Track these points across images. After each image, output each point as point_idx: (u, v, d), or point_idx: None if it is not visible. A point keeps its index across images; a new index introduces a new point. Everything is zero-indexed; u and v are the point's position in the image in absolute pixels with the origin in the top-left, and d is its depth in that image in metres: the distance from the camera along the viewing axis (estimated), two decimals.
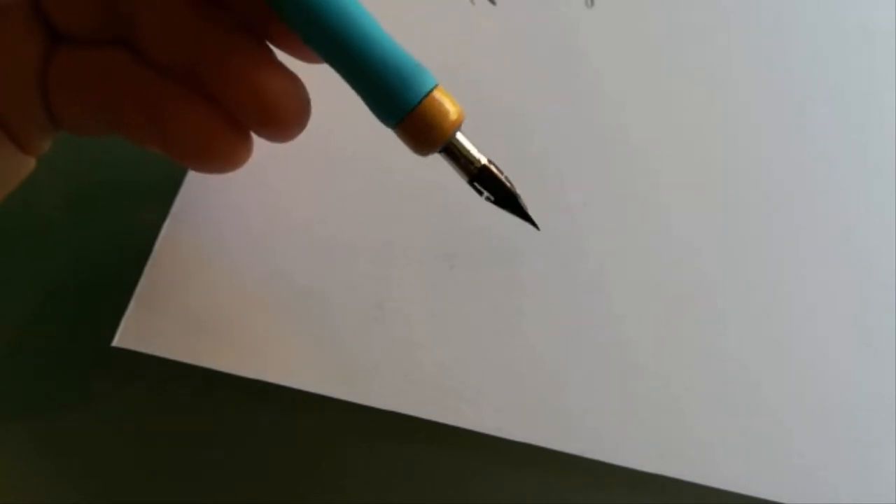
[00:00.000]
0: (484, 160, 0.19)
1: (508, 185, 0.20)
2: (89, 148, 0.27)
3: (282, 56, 0.20)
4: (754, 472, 0.22)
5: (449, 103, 0.18)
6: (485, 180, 0.20)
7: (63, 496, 0.23)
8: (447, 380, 0.23)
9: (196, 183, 0.26)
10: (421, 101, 0.18)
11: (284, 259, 0.25)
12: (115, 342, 0.24)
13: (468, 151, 0.19)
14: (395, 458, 0.23)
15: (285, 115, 0.19)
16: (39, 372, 0.24)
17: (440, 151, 0.19)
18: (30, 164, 0.20)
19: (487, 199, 0.20)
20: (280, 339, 0.24)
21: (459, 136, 0.19)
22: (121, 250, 0.25)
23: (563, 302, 0.24)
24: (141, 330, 0.24)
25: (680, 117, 0.27)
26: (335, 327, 0.24)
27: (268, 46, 0.19)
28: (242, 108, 0.18)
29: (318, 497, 0.22)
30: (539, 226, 0.21)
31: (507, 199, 0.20)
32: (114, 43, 0.19)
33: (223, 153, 0.19)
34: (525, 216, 0.21)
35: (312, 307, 0.24)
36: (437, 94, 0.18)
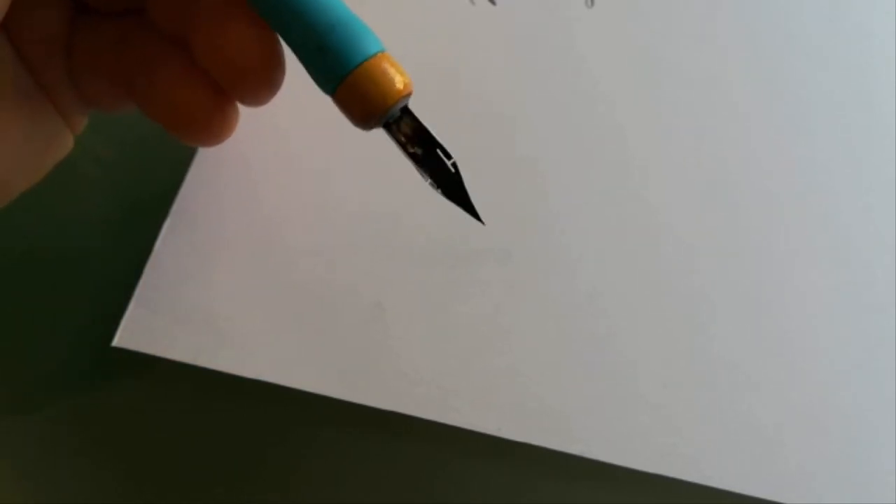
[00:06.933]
0: (433, 141, 0.17)
1: (454, 170, 0.17)
2: (89, 147, 0.27)
3: None
4: (754, 472, 0.22)
5: (394, 72, 0.16)
6: (431, 164, 0.17)
7: (63, 495, 0.23)
8: (447, 380, 0.23)
9: (196, 182, 0.26)
10: (359, 65, 0.16)
11: (284, 259, 0.25)
12: (115, 342, 0.24)
13: (413, 130, 0.17)
14: (395, 458, 0.23)
15: (249, 64, 0.18)
16: (39, 372, 0.24)
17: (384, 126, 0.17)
18: (70, 141, 0.21)
19: (431, 185, 0.17)
20: (279, 339, 0.24)
21: (409, 113, 0.17)
22: (121, 250, 0.25)
23: (562, 302, 0.24)
24: (141, 330, 0.24)
25: (678, 118, 0.27)
26: (334, 327, 0.24)
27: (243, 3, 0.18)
28: (208, 58, 0.18)
29: (317, 496, 0.22)
30: (483, 220, 0.18)
31: (451, 185, 0.17)
32: (133, 13, 0.19)
33: (203, 121, 0.19)
34: (468, 207, 0.18)
35: (312, 307, 0.24)
36: (379, 59, 0.16)
